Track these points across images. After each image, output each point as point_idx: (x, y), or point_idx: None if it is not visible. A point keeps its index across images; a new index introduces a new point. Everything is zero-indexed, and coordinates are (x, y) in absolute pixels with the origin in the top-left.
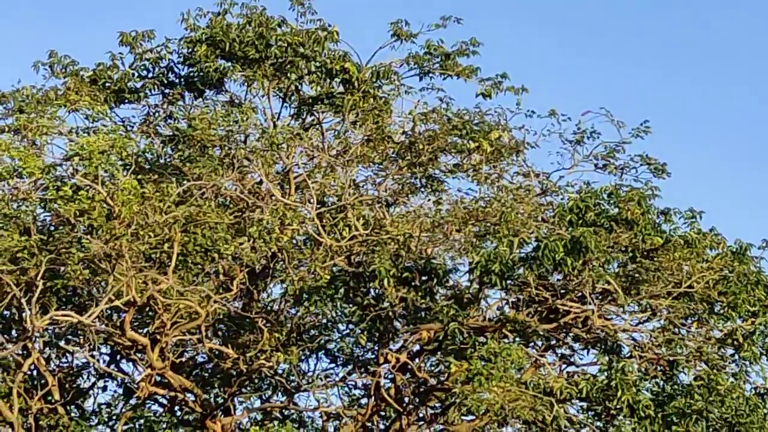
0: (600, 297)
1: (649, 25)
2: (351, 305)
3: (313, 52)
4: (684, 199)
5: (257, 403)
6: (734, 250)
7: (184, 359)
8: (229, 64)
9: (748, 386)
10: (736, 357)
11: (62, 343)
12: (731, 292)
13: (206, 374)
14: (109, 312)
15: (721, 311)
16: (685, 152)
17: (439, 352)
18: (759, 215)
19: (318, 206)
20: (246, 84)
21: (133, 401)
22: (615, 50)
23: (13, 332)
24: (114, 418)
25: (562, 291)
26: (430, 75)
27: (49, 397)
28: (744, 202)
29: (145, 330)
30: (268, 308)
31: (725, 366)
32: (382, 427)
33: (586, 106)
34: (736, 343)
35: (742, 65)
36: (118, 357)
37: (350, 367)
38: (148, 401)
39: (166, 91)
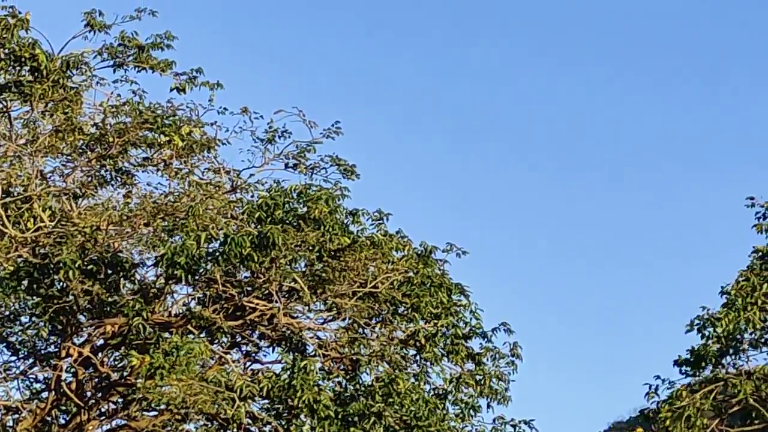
0: (287, 295)
1: (344, 37)
2: (34, 297)
3: (2, 39)
4: (375, 201)
5: None
6: (419, 252)
7: None
8: None
9: (428, 387)
10: (419, 358)
11: None
12: (415, 294)
13: None
14: None
15: (405, 312)
16: (377, 156)
17: (123, 347)
18: (445, 217)
19: (3, 196)
20: None
21: None
22: (304, 49)
23: None
24: None
25: (249, 288)
26: (124, 67)
27: None
28: (431, 204)
29: None
30: None
31: (407, 366)
32: (62, 421)
33: (280, 105)
34: (418, 344)
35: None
36: None
37: (32, 360)
38: None
39: None
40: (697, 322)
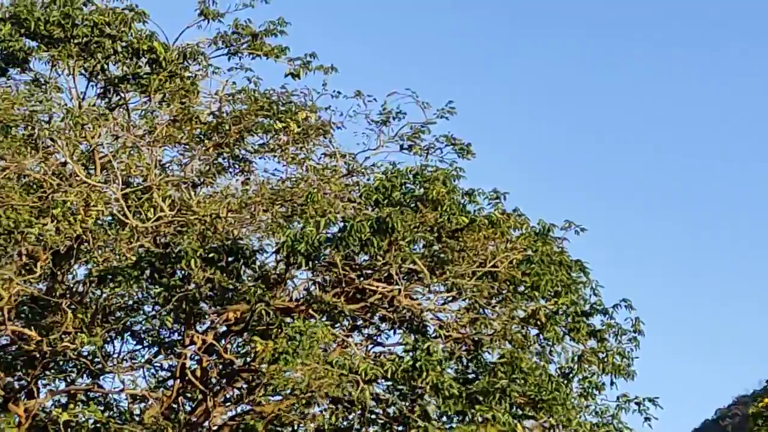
0: (406, 277)
1: (455, 17)
2: (157, 286)
3: (120, 32)
4: (490, 179)
5: (62, 386)
6: (537, 230)
7: None
8: (34, 43)
9: (552, 367)
10: (540, 337)
11: None
12: (534, 272)
13: (9, 357)
14: None
15: (525, 291)
16: (491, 134)
17: (245, 333)
18: (562, 196)
19: (123, 187)
20: (51, 63)
21: None
22: (421, 34)
23: None
24: None
25: (369, 271)
26: (239, 55)
27: None
28: (548, 183)
29: None
30: (73, 290)
31: (529, 346)
32: (188, 408)
33: (393, 87)
34: (539, 323)
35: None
36: None
37: (156, 348)
38: None
39: None
40: None
